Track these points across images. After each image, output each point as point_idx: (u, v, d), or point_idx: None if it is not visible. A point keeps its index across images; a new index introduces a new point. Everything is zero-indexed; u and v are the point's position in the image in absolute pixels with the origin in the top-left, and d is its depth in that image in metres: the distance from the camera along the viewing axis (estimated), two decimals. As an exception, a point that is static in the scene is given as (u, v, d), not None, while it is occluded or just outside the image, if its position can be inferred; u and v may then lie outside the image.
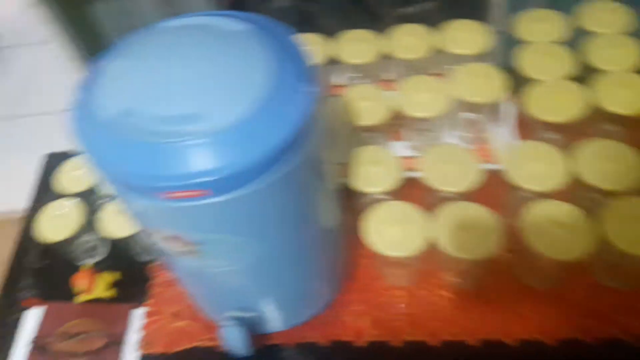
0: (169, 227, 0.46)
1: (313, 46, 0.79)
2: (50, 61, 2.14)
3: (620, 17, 0.72)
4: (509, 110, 0.74)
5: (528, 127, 0.70)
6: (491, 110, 0.72)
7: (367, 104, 0.70)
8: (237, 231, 0.46)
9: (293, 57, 0.45)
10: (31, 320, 0.73)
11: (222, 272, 0.51)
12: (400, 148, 0.74)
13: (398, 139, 0.75)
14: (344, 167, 0.64)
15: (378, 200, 0.62)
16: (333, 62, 0.79)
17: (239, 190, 0.41)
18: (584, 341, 0.57)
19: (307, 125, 0.43)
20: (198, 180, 0.39)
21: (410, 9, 0.96)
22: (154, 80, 0.44)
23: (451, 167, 0.60)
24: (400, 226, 0.57)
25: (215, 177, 0.39)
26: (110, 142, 0.42)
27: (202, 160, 0.40)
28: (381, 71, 0.81)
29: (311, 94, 0.43)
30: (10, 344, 0.71)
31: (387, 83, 0.81)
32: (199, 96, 0.42)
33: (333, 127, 0.72)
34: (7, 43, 2.29)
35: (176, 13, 0.91)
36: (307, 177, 0.47)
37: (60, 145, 0.89)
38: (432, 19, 0.80)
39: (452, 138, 0.75)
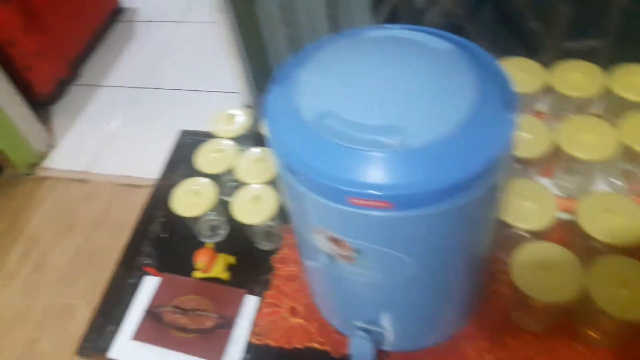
0: (337, 229, 0.46)
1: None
2: (184, 40, 2.27)
3: None
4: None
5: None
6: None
7: (527, 136, 0.68)
8: (401, 247, 0.46)
9: (497, 82, 0.44)
10: (148, 287, 0.76)
11: (367, 282, 0.51)
12: (548, 186, 0.72)
13: (547, 175, 0.73)
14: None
15: (523, 237, 0.61)
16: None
17: (420, 210, 0.41)
18: None
19: (503, 155, 0.42)
20: (385, 192, 0.40)
21: (576, 44, 0.93)
22: (354, 87, 0.44)
23: (614, 218, 0.58)
24: (552, 271, 0.55)
25: (403, 193, 0.39)
26: (305, 141, 0.43)
27: (393, 173, 0.40)
28: (538, 103, 0.79)
29: (512, 123, 0.42)
30: (127, 305, 0.74)
31: (540, 115, 0.79)
32: (399, 109, 0.42)
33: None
34: (143, 18, 2.44)
35: (336, 15, 0.94)
36: (485, 205, 0.47)
37: (191, 122, 0.93)
38: (599, 58, 0.77)
39: (605, 185, 0.72)
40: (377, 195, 0.40)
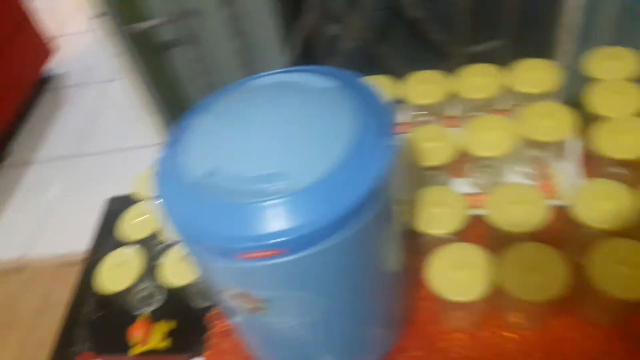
0: (240, 285, 0.50)
1: (381, 88, 0.87)
2: (116, 98, 2.31)
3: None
4: (575, 148, 0.79)
5: (594, 164, 0.75)
6: (557, 147, 0.77)
7: (433, 145, 0.75)
8: (306, 287, 0.50)
9: (375, 112, 0.50)
10: (84, 376, 0.76)
11: (286, 327, 0.55)
12: (463, 185, 0.80)
13: (461, 175, 0.81)
14: (408, 206, 0.69)
15: (441, 241, 0.68)
16: (400, 102, 0.87)
17: (314, 248, 0.45)
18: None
19: (385, 180, 0.47)
20: (275, 240, 0.43)
21: (478, 48, 1.03)
22: (238, 140, 0.49)
23: (518, 207, 0.65)
24: (464, 269, 0.61)
25: (292, 237, 0.43)
26: (191, 203, 0.47)
27: (279, 220, 0.44)
28: (448, 109, 0.88)
29: (390, 148, 0.48)
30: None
31: (453, 120, 0.88)
32: (282, 155, 0.47)
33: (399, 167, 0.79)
34: (74, 82, 2.49)
35: (249, 59, 1.01)
36: (380, 227, 0.51)
37: (124, 185, 0.98)
38: (501, 57, 0.87)
39: (515, 174, 0.80)
40: (266, 245, 0.44)
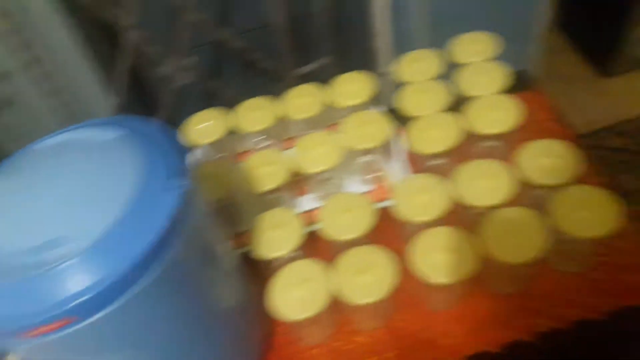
0: None
1: (214, 120, 0.88)
2: None
3: (486, 45, 0.84)
4: (398, 148, 0.83)
5: (417, 160, 0.80)
6: (383, 150, 0.81)
7: (268, 169, 0.78)
8: (121, 348, 0.47)
9: (163, 157, 0.49)
10: None
11: None
12: (306, 202, 0.83)
13: (303, 193, 0.84)
14: (249, 235, 0.71)
15: (286, 261, 0.69)
16: (235, 132, 0.89)
17: (108, 307, 0.42)
18: (490, 352, 0.65)
19: (178, 222, 0.46)
20: (60, 309, 0.41)
21: (306, 68, 1.06)
22: (15, 209, 0.47)
23: (347, 214, 0.68)
24: (302, 285, 0.64)
25: (79, 301, 0.41)
26: None
27: (63, 287, 0.41)
28: (282, 132, 0.90)
29: (180, 189, 0.47)
30: None
31: (290, 141, 0.91)
32: (61, 219, 0.44)
33: (237, 197, 0.80)
34: None
35: (74, 112, 1.00)
36: (190, 269, 0.50)
37: None
38: (329, 74, 0.91)
39: (353, 182, 0.84)
40: (52, 316, 0.41)
